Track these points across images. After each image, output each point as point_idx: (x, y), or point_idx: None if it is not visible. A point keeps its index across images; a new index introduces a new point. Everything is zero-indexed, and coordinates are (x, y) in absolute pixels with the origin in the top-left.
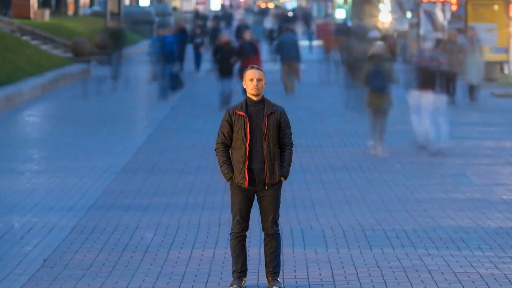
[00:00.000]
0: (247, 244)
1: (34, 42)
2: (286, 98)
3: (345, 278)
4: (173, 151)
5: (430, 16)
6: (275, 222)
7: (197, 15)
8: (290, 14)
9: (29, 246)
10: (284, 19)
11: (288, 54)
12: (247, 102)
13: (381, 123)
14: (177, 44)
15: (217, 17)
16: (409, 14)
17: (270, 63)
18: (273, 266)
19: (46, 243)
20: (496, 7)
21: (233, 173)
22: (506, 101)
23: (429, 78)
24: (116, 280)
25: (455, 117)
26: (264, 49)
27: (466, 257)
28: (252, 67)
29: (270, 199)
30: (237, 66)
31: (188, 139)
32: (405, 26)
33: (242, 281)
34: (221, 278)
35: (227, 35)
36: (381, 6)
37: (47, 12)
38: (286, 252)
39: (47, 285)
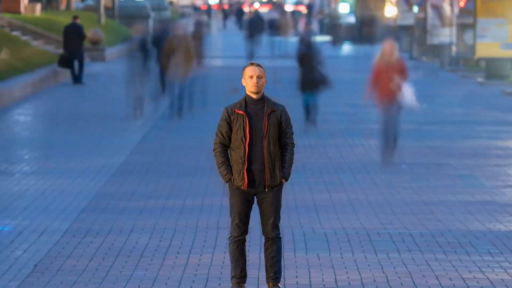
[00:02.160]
0: (246, 248)
1: (24, 38)
2: (286, 96)
3: (349, 284)
4: (170, 151)
5: (438, 10)
6: (276, 226)
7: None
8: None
9: (19, 250)
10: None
11: None
12: (246, 100)
13: None
14: None
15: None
16: (415, 8)
17: None
18: (274, 272)
19: (37, 248)
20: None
21: (232, 175)
22: None
23: None
24: (110, 286)
25: (464, 116)
26: None
27: (475, 262)
28: (252, 64)
29: (270, 202)
30: None
31: (185, 139)
32: (411, 21)
33: (242, 287)
34: (219, 284)
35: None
36: None
37: (38, 6)
38: (287, 256)
39: None
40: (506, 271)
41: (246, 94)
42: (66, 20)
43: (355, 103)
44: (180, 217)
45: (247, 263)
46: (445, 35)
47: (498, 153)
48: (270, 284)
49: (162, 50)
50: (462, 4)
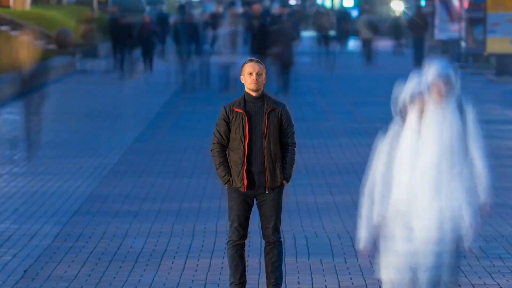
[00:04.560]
0: (246, 253)
1: (14, 33)
2: (288, 94)
3: None
4: (166, 151)
5: (446, 4)
6: (277, 229)
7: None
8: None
9: (8, 255)
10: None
11: None
12: (246, 98)
13: None
14: None
15: None
16: (423, 2)
17: None
18: (275, 277)
19: (27, 252)
20: None
21: (231, 176)
22: None
23: None
24: None
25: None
26: None
27: (485, 267)
28: (251, 60)
29: (271, 204)
30: None
31: (182, 139)
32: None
33: None
34: None
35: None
36: None
37: (28, 0)
38: (288, 261)
39: None
40: None
41: (245, 91)
42: (56, 14)
43: (360, 101)
44: (177, 221)
45: (246, 268)
46: (454, 30)
47: (509, 153)
48: None
49: None
50: None
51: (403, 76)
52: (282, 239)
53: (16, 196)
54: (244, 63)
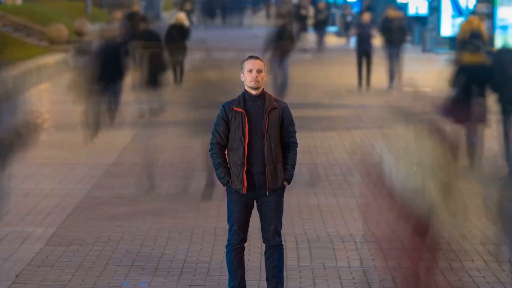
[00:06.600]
0: (246, 257)
1: (5, 29)
2: (289, 92)
3: None
4: (163, 151)
5: None
6: (278, 232)
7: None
8: None
9: None
10: None
11: None
12: (245, 96)
13: None
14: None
15: None
16: None
17: None
18: (276, 282)
19: (19, 256)
20: None
21: (230, 177)
22: None
23: None
24: None
25: None
26: None
27: (494, 271)
28: (251, 57)
29: (272, 206)
30: None
31: (179, 138)
32: (425, 10)
33: None
34: None
35: None
36: None
37: None
38: (290, 266)
39: None
40: None
41: (245, 90)
42: (50, 9)
43: (364, 100)
44: (174, 223)
45: (246, 273)
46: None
47: None
48: None
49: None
50: None
51: None
52: (283, 243)
53: (7, 197)
54: (244, 60)
